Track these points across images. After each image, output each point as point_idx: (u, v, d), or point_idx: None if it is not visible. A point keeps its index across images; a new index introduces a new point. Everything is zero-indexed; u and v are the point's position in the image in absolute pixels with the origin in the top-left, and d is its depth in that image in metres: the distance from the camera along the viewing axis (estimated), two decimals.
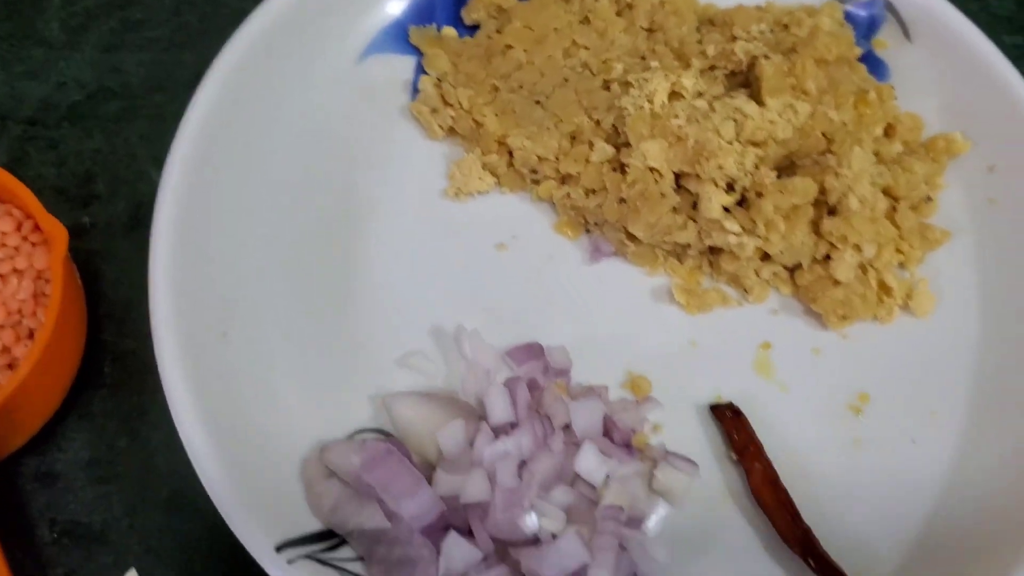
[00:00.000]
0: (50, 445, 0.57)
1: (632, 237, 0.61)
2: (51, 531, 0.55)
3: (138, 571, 0.55)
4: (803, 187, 0.57)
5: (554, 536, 0.51)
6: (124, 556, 0.55)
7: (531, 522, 0.51)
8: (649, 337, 0.61)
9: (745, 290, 0.62)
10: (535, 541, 0.51)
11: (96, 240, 0.63)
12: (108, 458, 0.57)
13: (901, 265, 0.62)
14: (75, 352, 0.57)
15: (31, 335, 0.54)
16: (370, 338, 0.59)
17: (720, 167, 0.57)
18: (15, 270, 0.55)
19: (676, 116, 0.59)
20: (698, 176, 0.58)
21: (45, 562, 0.54)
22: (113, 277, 0.62)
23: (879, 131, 0.64)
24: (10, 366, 0.53)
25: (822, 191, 0.58)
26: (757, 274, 0.61)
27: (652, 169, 0.59)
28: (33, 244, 0.56)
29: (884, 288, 0.60)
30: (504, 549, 0.51)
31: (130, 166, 0.66)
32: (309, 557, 0.49)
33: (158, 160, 0.64)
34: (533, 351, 0.58)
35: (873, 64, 0.68)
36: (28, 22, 0.70)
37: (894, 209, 0.61)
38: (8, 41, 0.70)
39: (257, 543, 0.49)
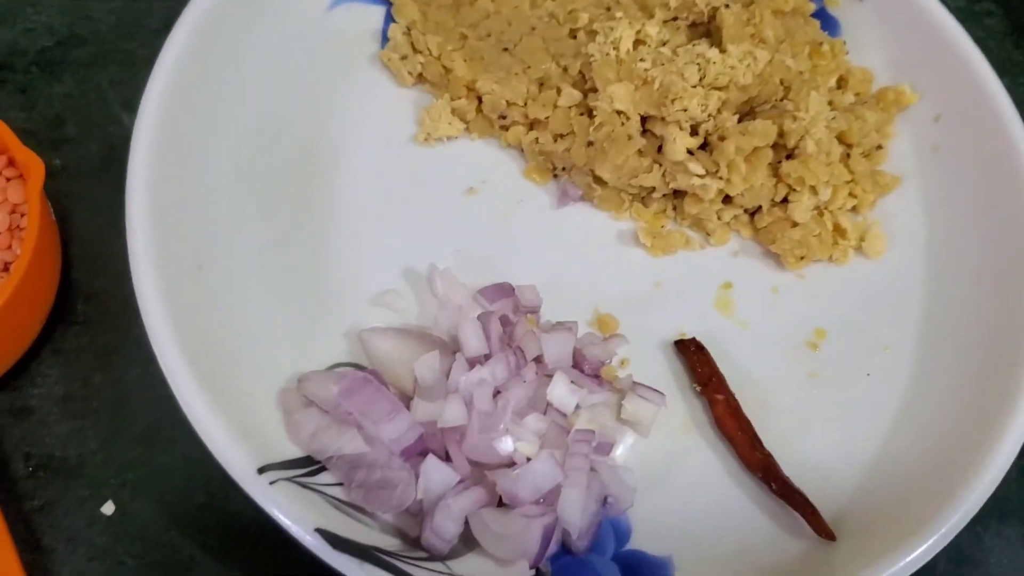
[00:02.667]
0: (24, 381, 0.58)
1: (599, 181, 0.63)
2: (26, 464, 0.56)
3: (114, 503, 0.55)
4: (763, 129, 0.59)
5: (528, 459, 0.52)
6: (100, 489, 0.55)
7: (507, 445, 0.52)
8: (615, 278, 0.63)
9: (707, 233, 0.64)
10: (510, 464, 0.53)
11: (67, 182, 0.63)
12: (83, 393, 0.58)
13: (854, 209, 0.65)
14: (49, 288, 0.57)
15: (6, 268, 0.54)
16: (344, 277, 0.60)
17: (685, 109, 0.59)
18: None
19: (641, 60, 0.60)
20: (663, 119, 0.60)
21: (21, 495, 0.55)
22: (85, 218, 0.62)
23: (832, 83, 0.66)
24: None
25: (781, 135, 0.61)
26: (719, 217, 0.63)
27: (619, 112, 0.61)
28: (8, 179, 0.56)
29: (839, 230, 0.63)
30: (481, 472, 0.53)
31: (101, 110, 0.66)
32: (290, 480, 0.50)
33: (129, 104, 0.65)
34: (504, 290, 0.60)
35: (825, 20, 0.70)
36: None
37: (847, 156, 0.64)
38: None
39: (238, 466, 0.49)
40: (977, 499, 0.52)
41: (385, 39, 0.68)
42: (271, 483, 0.49)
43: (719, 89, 0.60)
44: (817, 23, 0.68)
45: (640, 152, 0.61)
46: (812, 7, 0.68)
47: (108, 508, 0.55)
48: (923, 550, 0.51)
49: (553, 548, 0.52)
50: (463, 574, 0.50)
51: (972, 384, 0.58)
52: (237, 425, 0.50)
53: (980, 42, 0.69)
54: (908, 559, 0.50)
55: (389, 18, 0.68)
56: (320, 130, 0.64)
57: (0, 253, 0.54)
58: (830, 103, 0.64)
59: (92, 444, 0.56)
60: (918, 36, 0.68)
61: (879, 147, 0.66)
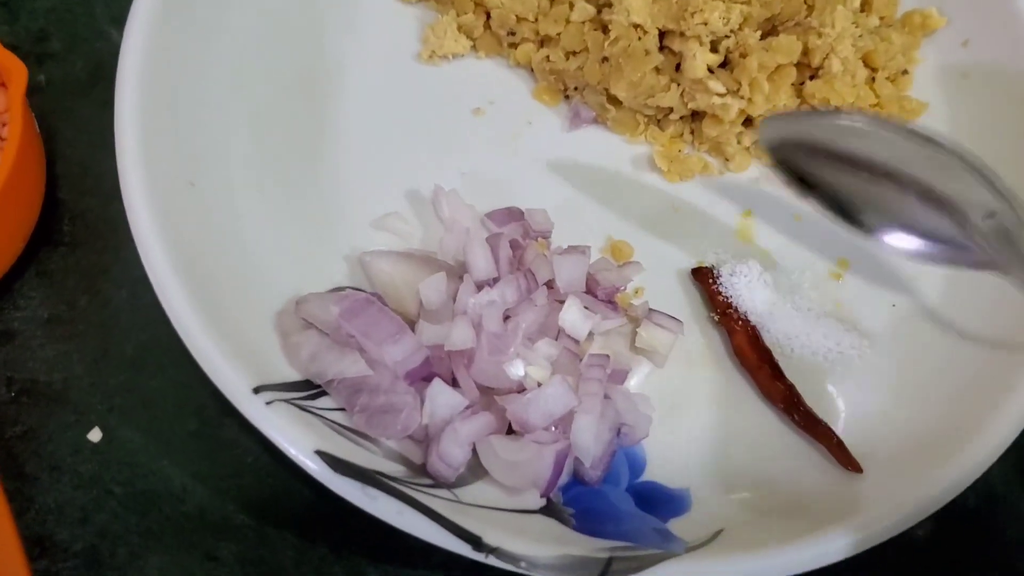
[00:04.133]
0: (6, 303, 0.55)
1: (613, 101, 0.60)
2: (8, 390, 0.53)
3: (101, 429, 0.53)
4: (788, 45, 0.56)
5: (539, 384, 0.50)
6: (86, 415, 0.53)
7: (517, 369, 0.50)
8: (630, 204, 0.60)
9: (727, 158, 0.61)
10: (521, 390, 0.50)
11: (52, 99, 0.60)
12: (68, 316, 0.55)
13: None
14: (32, 204, 0.54)
15: None
16: (344, 198, 0.58)
17: (705, 23, 0.56)
18: None
19: None
20: (682, 34, 0.57)
21: (3, 421, 0.52)
22: (70, 136, 0.60)
23: (856, 4, 0.63)
24: None
25: (805, 52, 0.58)
26: (739, 140, 0.61)
27: (635, 26, 0.57)
28: None
29: None
30: (489, 397, 0.50)
31: (87, 24, 0.63)
32: (288, 402, 0.48)
33: (117, 19, 0.62)
34: (513, 214, 0.57)
35: None
36: None
37: (872, 79, 0.61)
38: None
39: (233, 385, 0.47)
40: (1008, 431, 0.50)
41: None
42: (267, 403, 0.46)
43: (741, 3, 0.57)
44: None
45: (657, 69, 0.58)
46: None
47: (95, 435, 0.53)
48: (952, 482, 0.48)
49: (565, 477, 0.49)
50: (471, 502, 0.47)
51: (1004, 310, 0.55)
52: (232, 346, 0.48)
53: None
54: (936, 492, 0.48)
55: None
56: (319, 45, 0.61)
57: None
58: (855, 24, 0.61)
59: (78, 368, 0.54)
60: None
61: (905, 72, 0.63)
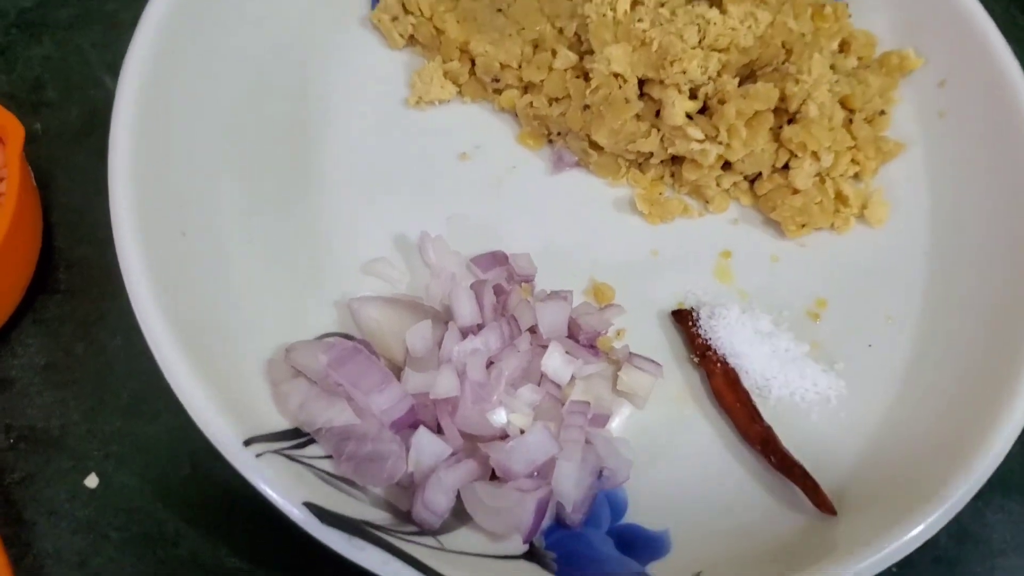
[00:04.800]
0: (4, 351, 0.57)
1: (595, 146, 0.62)
2: (7, 436, 0.55)
3: (98, 475, 0.54)
4: (765, 93, 0.58)
5: (522, 431, 0.51)
6: (83, 461, 0.54)
7: (500, 417, 0.52)
8: (612, 246, 0.62)
9: (706, 200, 0.63)
10: (503, 436, 0.52)
11: (48, 147, 0.62)
12: (65, 363, 0.57)
13: (856, 176, 0.64)
14: (30, 255, 0.56)
15: None
16: (332, 244, 0.59)
17: (684, 71, 0.58)
18: None
19: (640, 21, 0.59)
20: (662, 82, 0.59)
21: (1, 467, 0.54)
22: (66, 184, 0.61)
23: (835, 46, 0.65)
24: None
25: (782, 99, 0.59)
26: (718, 183, 0.62)
27: (616, 75, 0.59)
28: None
29: (841, 197, 0.62)
30: (473, 445, 0.52)
31: (83, 72, 0.65)
32: (277, 453, 0.49)
33: (112, 67, 0.64)
34: (497, 258, 0.59)
35: None
36: None
37: (850, 121, 0.63)
38: None
39: (224, 438, 0.48)
40: (981, 474, 0.52)
41: (375, 0, 0.66)
42: (258, 456, 0.48)
43: (719, 51, 0.59)
44: None
45: (638, 116, 0.60)
46: None
47: (91, 481, 0.54)
48: (926, 525, 0.50)
49: (547, 522, 0.51)
50: (455, 549, 0.49)
51: (977, 356, 0.57)
52: (223, 396, 0.49)
53: (986, 7, 0.68)
54: (910, 535, 0.50)
55: None
56: (308, 93, 0.63)
57: None
58: (832, 67, 0.63)
59: (75, 415, 0.56)
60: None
61: (882, 112, 0.65)
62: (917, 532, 0.50)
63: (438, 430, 0.52)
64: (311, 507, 0.47)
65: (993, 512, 0.58)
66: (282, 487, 0.47)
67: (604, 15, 0.60)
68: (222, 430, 0.48)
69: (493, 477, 0.51)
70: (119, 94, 0.54)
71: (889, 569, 0.52)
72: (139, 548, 0.53)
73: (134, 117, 0.54)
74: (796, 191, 0.61)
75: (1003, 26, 0.65)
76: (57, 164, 0.61)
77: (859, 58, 0.66)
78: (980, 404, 0.54)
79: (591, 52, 0.60)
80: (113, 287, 0.57)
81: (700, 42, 0.58)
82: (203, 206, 0.56)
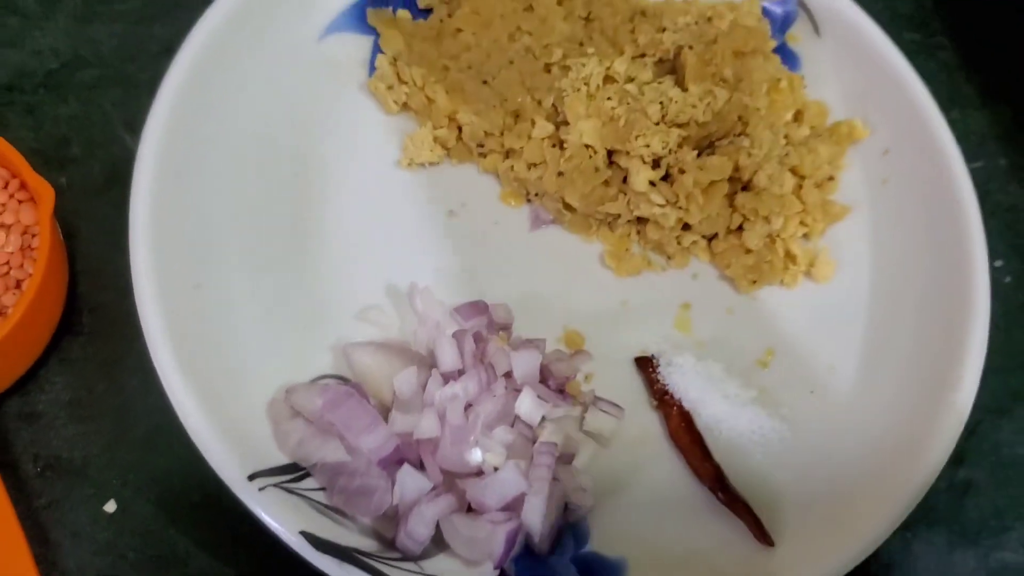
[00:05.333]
0: (33, 387, 0.62)
1: (569, 207, 0.67)
2: (35, 465, 0.60)
3: (116, 502, 0.59)
4: (720, 165, 0.64)
5: (496, 469, 0.57)
6: (103, 489, 0.60)
7: (476, 456, 0.57)
8: (583, 297, 0.67)
9: (668, 256, 0.69)
10: (479, 473, 0.57)
11: (72, 200, 0.66)
12: (87, 400, 0.62)
13: (805, 236, 0.70)
14: (58, 301, 0.61)
15: (18, 285, 0.59)
16: (331, 294, 0.64)
17: (647, 145, 0.63)
18: (3, 225, 0.60)
19: (609, 98, 0.65)
20: (628, 153, 0.64)
21: (30, 493, 0.59)
22: (89, 235, 0.66)
23: (789, 116, 0.71)
24: (0, 313, 0.58)
25: (736, 168, 0.65)
26: (679, 242, 0.68)
27: (587, 146, 0.65)
28: (20, 201, 0.60)
29: (790, 256, 0.68)
30: (452, 480, 0.57)
31: (104, 130, 0.70)
32: (277, 486, 0.55)
33: (130, 125, 0.69)
34: (478, 308, 0.64)
35: (786, 55, 0.75)
36: None
37: (800, 187, 0.68)
38: None
39: (231, 472, 0.54)
40: (902, 510, 0.58)
41: (373, 69, 0.72)
42: (260, 489, 0.54)
43: (680, 126, 0.64)
44: (778, 58, 0.73)
45: (606, 182, 0.65)
46: (773, 44, 0.72)
47: (110, 506, 0.59)
48: (854, 555, 0.56)
49: (516, 550, 0.56)
50: (434, 574, 0.55)
51: (906, 404, 0.63)
52: (229, 434, 0.55)
53: (932, 75, 0.75)
54: (840, 563, 0.56)
55: (377, 48, 0.72)
56: (311, 154, 0.68)
57: (13, 271, 0.59)
58: (786, 136, 0.69)
59: (96, 447, 0.61)
60: (871, 73, 0.73)
61: (831, 178, 0.71)
62: (846, 561, 0.56)
63: (420, 467, 0.57)
64: (307, 535, 0.53)
65: (919, 544, 0.64)
66: (281, 517, 0.53)
67: (578, 89, 0.66)
68: (229, 466, 0.54)
69: (469, 510, 0.56)
70: (139, 158, 0.60)
71: None
72: (153, 568, 0.58)
73: (152, 180, 0.60)
74: (749, 251, 0.66)
75: (949, 93, 0.73)
76: (81, 216, 0.66)
77: (812, 127, 0.72)
78: (906, 447, 0.60)
79: (566, 123, 0.66)
80: (132, 331, 0.61)
81: (663, 118, 0.64)
82: (213, 260, 0.61)
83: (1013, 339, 0.72)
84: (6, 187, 0.61)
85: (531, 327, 0.65)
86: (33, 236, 0.60)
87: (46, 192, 0.58)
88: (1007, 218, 0.76)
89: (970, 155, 0.70)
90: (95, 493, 0.60)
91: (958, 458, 0.66)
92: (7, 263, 0.59)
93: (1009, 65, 0.83)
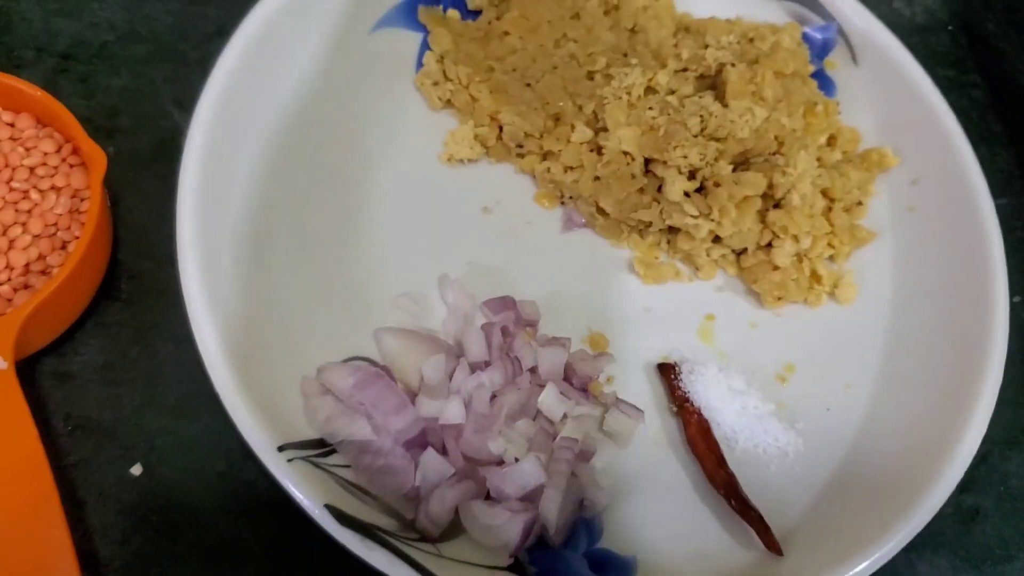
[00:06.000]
0: (68, 348, 0.63)
1: (602, 211, 0.69)
2: (65, 424, 0.61)
3: (143, 465, 0.60)
4: (754, 181, 0.65)
5: (516, 459, 0.59)
6: (131, 451, 0.61)
7: (498, 446, 0.58)
8: (609, 301, 0.69)
9: (696, 267, 0.70)
10: (500, 463, 0.59)
11: (119, 169, 0.67)
12: (120, 364, 0.63)
13: (831, 258, 0.71)
14: (101, 266, 0.63)
15: (64, 246, 0.60)
16: (366, 279, 0.66)
17: (684, 156, 0.65)
18: (54, 187, 0.61)
19: (650, 108, 0.67)
20: (664, 162, 0.66)
21: (59, 451, 0.60)
22: (132, 204, 0.67)
23: (823, 140, 0.72)
24: (44, 272, 0.60)
25: (770, 186, 0.66)
26: (708, 254, 0.69)
27: (625, 153, 0.67)
28: (71, 165, 0.62)
29: (815, 276, 0.69)
30: (473, 468, 0.59)
31: (154, 104, 0.71)
32: (304, 459, 0.56)
33: (179, 101, 0.71)
34: (507, 303, 0.65)
35: (823, 81, 0.77)
36: None
37: (830, 209, 0.70)
38: None
39: (261, 442, 0.55)
40: (910, 531, 0.58)
41: (420, 65, 0.74)
42: (288, 460, 0.55)
43: (718, 140, 0.66)
44: (814, 83, 0.75)
45: (641, 190, 0.67)
46: (811, 69, 0.74)
47: (136, 469, 0.60)
48: (859, 569, 0.57)
49: (531, 540, 0.57)
50: (450, 556, 0.56)
51: (920, 427, 0.64)
52: (261, 405, 0.56)
53: (964, 112, 0.76)
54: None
55: (425, 46, 0.74)
56: (355, 143, 0.70)
57: (61, 233, 0.60)
58: (818, 159, 0.70)
59: (126, 410, 0.62)
60: (905, 104, 0.75)
61: (859, 203, 0.72)
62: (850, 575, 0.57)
63: (443, 451, 0.59)
64: (331, 509, 0.54)
65: (924, 566, 0.65)
66: (307, 489, 0.54)
67: (620, 98, 0.68)
68: (259, 436, 0.55)
69: (488, 497, 0.58)
70: (190, 136, 0.61)
71: None
72: (175, 531, 0.59)
73: (201, 157, 0.61)
74: (776, 267, 0.68)
75: (979, 131, 0.75)
76: (126, 185, 0.68)
77: (844, 152, 0.74)
78: (917, 469, 0.61)
79: (605, 130, 0.67)
80: (168, 300, 0.64)
81: (702, 131, 0.65)
82: (256, 238, 0.63)
83: None
84: (59, 151, 0.62)
85: (557, 326, 0.66)
86: (82, 200, 0.62)
87: (99, 157, 0.59)
88: None
89: (996, 191, 0.71)
90: (122, 455, 0.61)
91: (967, 486, 0.66)
92: (55, 224, 0.60)
93: None
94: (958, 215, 0.71)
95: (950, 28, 0.89)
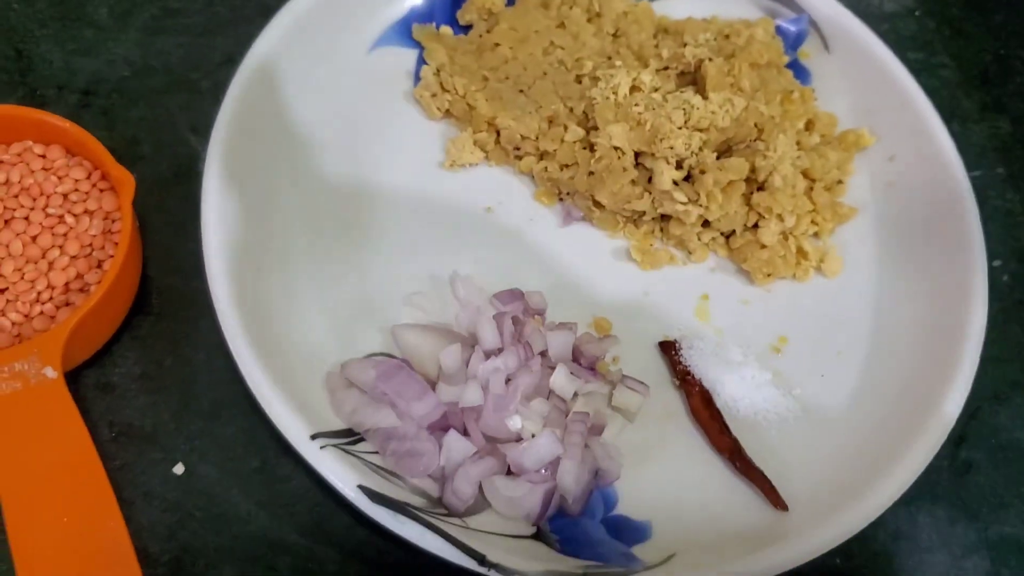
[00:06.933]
0: (108, 361, 0.67)
1: (598, 204, 0.73)
2: (110, 431, 0.64)
3: (184, 465, 0.64)
4: (738, 166, 0.69)
5: (533, 435, 0.62)
6: (172, 453, 0.64)
7: (515, 423, 0.62)
8: (610, 287, 0.73)
9: (689, 251, 0.74)
10: (518, 440, 0.62)
11: (143, 193, 0.70)
12: (156, 373, 0.67)
13: (816, 234, 0.75)
14: (133, 283, 0.67)
15: (100, 265, 0.65)
16: (380, 281, 0.70)
17: (671, 147, 0.69)
18: (87, 211, 0.65)
19: (636, 105, 0.71)
20: (653, 155, 0.70)
21: (105, 456, 0.62)
22: (158, 225, 0.71)
23: (801, 125, 0.77)
24: (82, 290, 0.64)
25: (753, 170, 0.71)
26: (699, 238, 0.73)
27: (616, 148, 0.71)
28: (101, 190, 0.66)
29: (801, 252, 0.73)
30: (493, 446, 0.62)
31: (171, 132, 0.75)
32: (335, 447, 0.60)
33: (195, 127, 0.75)
34: (515, 294, 0.69)
35: (798, 70, 0.81)
36: (78, 7, 0.80)
37: (811, 188, 0.74)
38: (61, 22, 0.80)
39: (295, 433, 0.59)
40: (905, 481, 0.62)
41: (417, 79, 0.78)
42: (321, 447, 0.59)
43: (701, 131, 0.70)
44: (791, 73, 0.79)
45: (633, 182, 0.71)
46: (786, 59, 0.79)
47: (178, 469, 0.64)
48: (860, 519, 0.61)
49: (552, 510, 0.61)
50: (477, 528, 0.59)
51: (909, 387, 0.67)
52: (293, 401, 0.60)
53: (935, 91, 0.80)
54: (848, 526, 0.61)
55: (421, 60, 0.79)
56: (362, 155, 0.74)
57: (96, 252, 0.65)
58: (798, 143, 0.74)
59: (164, 416, 0.65)
60: (877, 87, 0.79)
61: (839, 182, 0.76)
62: (852, 525, 0.60)
63: (465, 433, 0.62)
64: (364, 489, 0.57)
65: (923, 517, 0.68)
66: (340, 472, 0.58)
67: (607, 98, 0.72)
68: (293, 427, 0.59)
69: (509, 472, 0.61)
70: (209, 157, 0.66)
71: (834, 560, 0.64)
72: (218, 525, 0.62)
73: (220, 174, 0.66)
74: (764, 246, 0.72)
75: (950, 108, 0.79)
76: (151, 208, 0.72)
77: (822, 135, 0.78)
78: (908, 426, 0.65)
79: (596, 128, 0.72)
80: (197, 312, 0.67)
81: (686, 123, 0.70)
82: (276, 248, 0.67)
83: (1010, 332, 0.76)
84: (89, 177, 0.67)
85: (563, 314, 0.70)
86: (113, 221, 0.66)
87: (127, 180, 0.63)
88: (1005, 222, 0.82)
89: (970, 165, 0.76)
90: (164, 457, 0.64)
91: (959, 440, 0.71)
92: (90, 245, 0.65)
93: (1005, 84, 0.89)
94: (935, 187, 0.75)
95: (917, 13, 0.93)
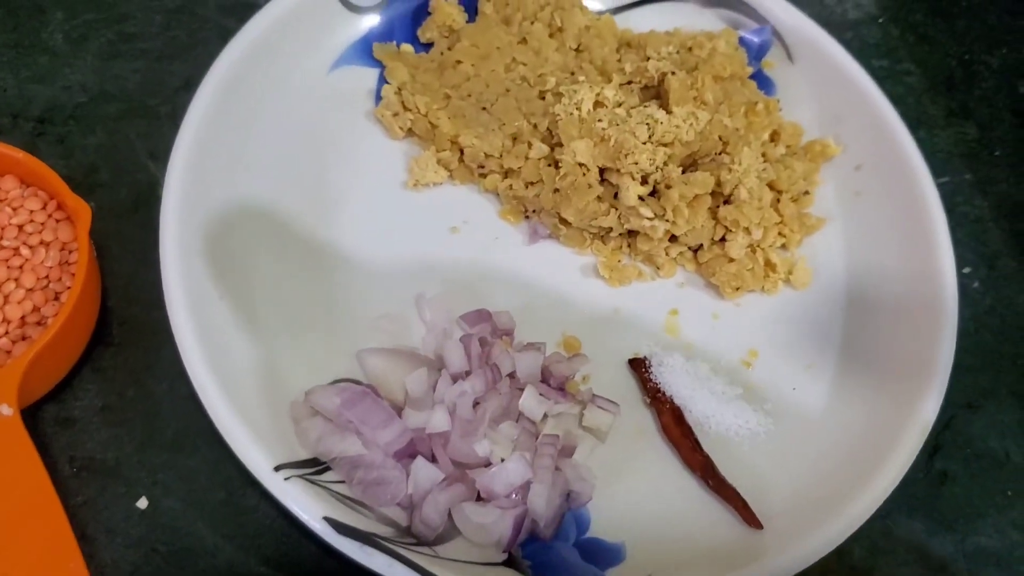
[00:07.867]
0: (68, 395, 0.65)
1: (564, 222, 0.73)
2: (71, 466, 0.63)
3: (147, 499, 0.63)
4: (703, 180, 0.69)
5: (502, 460, 0.62)
6: (135, 487, 0.63)
7: (484, 448, 0.61)
8: (579, 305, 0.72)
9: (657, 267, 0.74)
10: (487, 464, 0.62)
11: (101, 222, 0.69)
12: (118, 405, 0.65)
13: (783, 246, 0.75)
14: (92, 314, 0.66)
15: (57, 297, 0.63)
16: (345, 304, 0.69)
17: (636, 163, 0.69)
18: (43, 242, 0.64)
19: (600, 121, 0.70)
20: (618, 170, 0.70)
21: (66, 492, 0.62)
22: (117, 253, 0.70)
23: (766, 136, 0.76)
24: (39, 323, 0.63)
25: (718, 184, 0.70)
26: (667, 253, 0.73)
27: (580, 164, 0.70)
28: (57, 220, 0.65)
29: (769, 265, 0.73)
30: (462, 471, 0.61)
31: (129, 158, 0.74)
32: (301, 477, 0.59)
33: (153, 154, 0.74)
34: (482, 315, 0.68)
35: (762, 81, 0.81)
36: (32, 33, 0.79)
37: (778, 200, 0.74)
38: (15, 50, 0.78)
39: (258, 465, 0.58)
40: (880, 493, 0.62)
41: (379, 98, 0.77)
42: (285, 479, 0.58)
43: (665, 145, 0.70)
44: (754, 84, 0.79)
45: (599, 198, 0.71)
46: (749, 71, 0.78)
47: (142, 503, 0.62)
48: (835, 534, 0.61)
49: (523, 536, 0.60)
50: (447, 556, 0.58)
51: (880, 399, 0.67)
52: (256, 431, 0.59)
53: (900, 98, 0.80)
54: (823, 542, 0.60)
55: (382, 79, 0.78)
56: (324, 177, 0.73)
57: (52, 284, 0.63)
58: (763, 155, 0.74)
59: (127, 449, 0.64)
60: (842, 95, 0.79)
61: (806, 193, 0.76)
62: (827, 540, 0.60)
63: (433, 459, 0.61)
64: (329, 521, 0.57)
65: (899, 530, 0.67)
66: (306, 504, 0.57)
67: (571, 114, 0.71)
68: (256, 458, 0.58)
69: (478, 498, 0.61)
70: (167, 183, 0.65)
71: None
72: (183, 559, 0.61)
73: (179, 201, 0.65)
74: (732, 260, 0.71)
75: (915, 115, 0.80)
76: (110, 236, 0.70)
77: (787, 146, 0.77)
78: (881, 438, 0.65)
79: (560, 145, 0.71)
80: (159, 341, 0.66)
81: (650, 138, 0.69)
82: (238, 274, 0.66)
83: (983, 340, 0.76)
84: (44, 208, 0.65)
85: (532, 333, 0.69)
86: (70, 252, 0.65)
87: (84, 211, 0.62)
88: (974, 229, 0.81)
89: (937, 171, 0.76)
90: (127, 491, 0.63)
91: (934, 450, 0.71)
92: (47, 277, 0.64)
93: (971, 89, 0.89)
94: (902, 196, 0.75)
95: (881, 21, 0.93)
